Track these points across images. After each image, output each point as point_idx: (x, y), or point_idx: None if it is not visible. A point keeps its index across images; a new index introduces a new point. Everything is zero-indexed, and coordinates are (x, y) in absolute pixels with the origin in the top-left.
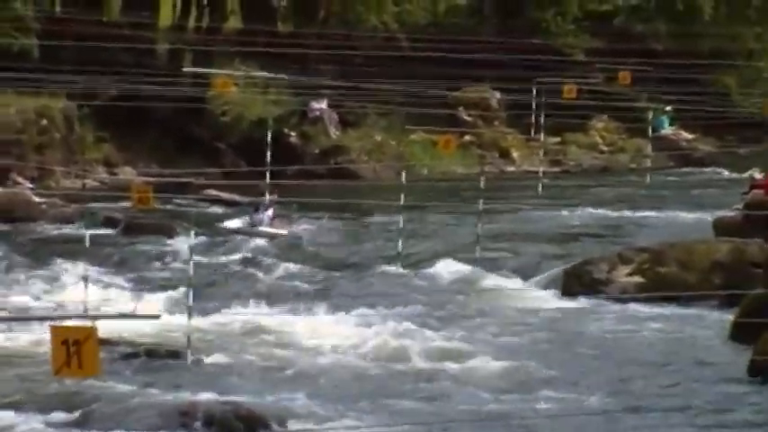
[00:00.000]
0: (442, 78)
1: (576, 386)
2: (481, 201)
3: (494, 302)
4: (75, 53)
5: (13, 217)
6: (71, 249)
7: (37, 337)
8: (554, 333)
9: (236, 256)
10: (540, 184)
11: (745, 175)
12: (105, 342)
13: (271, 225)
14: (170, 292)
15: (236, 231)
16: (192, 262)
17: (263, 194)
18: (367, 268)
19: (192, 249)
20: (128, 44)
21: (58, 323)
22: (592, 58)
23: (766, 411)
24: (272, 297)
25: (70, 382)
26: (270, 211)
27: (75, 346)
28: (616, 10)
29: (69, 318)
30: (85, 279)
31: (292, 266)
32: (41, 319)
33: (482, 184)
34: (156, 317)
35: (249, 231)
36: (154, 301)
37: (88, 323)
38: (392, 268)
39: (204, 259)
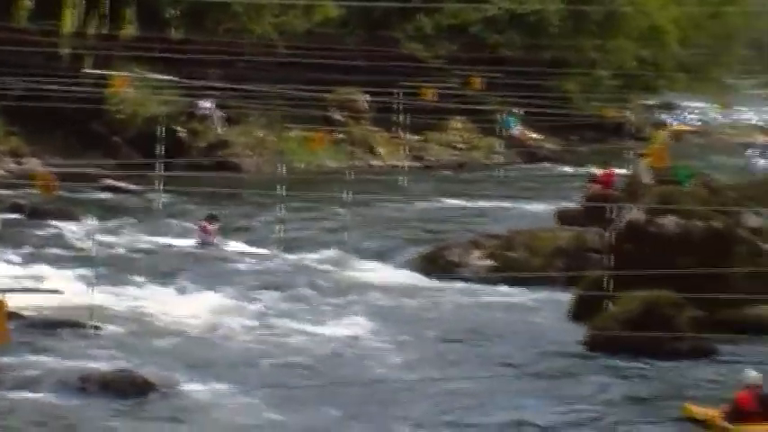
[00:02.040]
0: (317, 82)
1: (420, 357)
2: (350, 192)
3: (358, 282)
4: None
5: None
6: None
7: None
8: (411, 310)
9: (129, 239)
10: (404, 178)
11: (585, 170)
12: (13, 315)
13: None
14: (71, 270)
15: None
16: (92, 242)
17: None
18: (249, 254)
19: (92, 232)
20: (35, 48)
21: None
22: (450, 65)
23: (598, 381)
24: (161, 275)
25: None
26: (210, 227)
27: None
28: (472, 21)
29: None
30: None
31: (182, 245)
32: None
33: (351, 177)
34: (59, 292)
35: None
36: (56, 278)
37: None
38: (269, 251)
39: (103, 241)
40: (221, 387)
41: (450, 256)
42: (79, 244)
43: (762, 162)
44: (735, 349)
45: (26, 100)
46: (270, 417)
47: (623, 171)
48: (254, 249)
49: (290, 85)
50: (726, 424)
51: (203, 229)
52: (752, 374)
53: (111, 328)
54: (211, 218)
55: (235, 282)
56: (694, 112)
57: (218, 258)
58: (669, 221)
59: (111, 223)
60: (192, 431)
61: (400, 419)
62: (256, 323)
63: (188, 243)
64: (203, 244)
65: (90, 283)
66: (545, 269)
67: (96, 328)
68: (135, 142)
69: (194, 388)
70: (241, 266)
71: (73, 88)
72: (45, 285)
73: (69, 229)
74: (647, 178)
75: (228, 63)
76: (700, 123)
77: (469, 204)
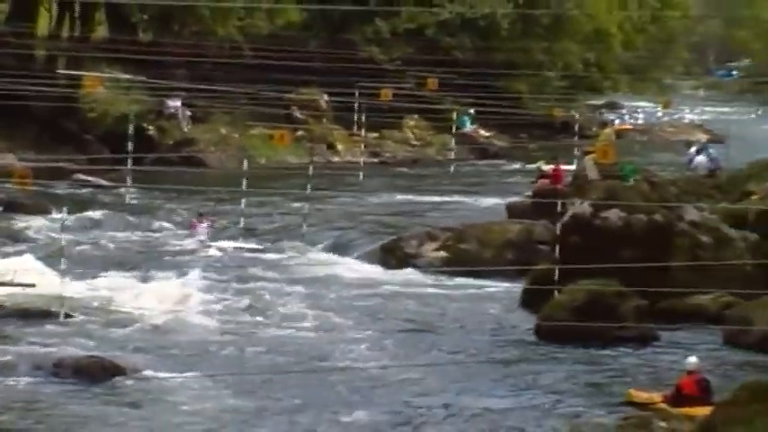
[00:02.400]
0: (279, 82)
1: (380, 341)
2: (309, 186)
3: (317, 273)
4: None
5: None
6: None
7: None
8: (370, 299)
9: (99, 232)
10: (361, 173)
11: (534, 166)
12: None
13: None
14: (45, 262)
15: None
16: (63, 235)
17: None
18: (214, 245)
19: (64, 225)
20: (9, 50)
21: None
22: (405, 66)
23: (546, 368)
24: (130, 267)
25: None
26: (204, 225)
27: None
28: (426, 24)
29: None
30: None
31: (151, 237)
32: None
33: (310, 172)
34: (32, 285)
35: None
36: (30, 270)
37: None
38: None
39: (75, 234)
40: (186, 374)
41: (407, 248)
42: (51, 237)
43: (700, 158)
44: (676, 337)
45: (1, 99)
46: (232, 402)
47: (570, 167)
48: (236, 244)
49: (254, 85)
50: (668, 408)
51: (192, 226)
52: (692, 361)
53: (81, 317)
54: (201, 215)
55: (197, 271)
56: (637, 111)
57: (185, 251)
58: (613, 215)
59: (82, 217)
60: (157, 415)
61: (354, 405)
62: (219, 312)
63: (156, 235)
64: (193, 239)
65: (62, 274)
66: (496, 261)
67: (68, 316)
68: (106, 139)
69: (160, 374)
70: (203, 257)
71: (47, 88)
72: (19, 278)
73: (42, 222)
74: (592, 174)
75: (195, 64)
76: (642, 122)
77: (423, 198)
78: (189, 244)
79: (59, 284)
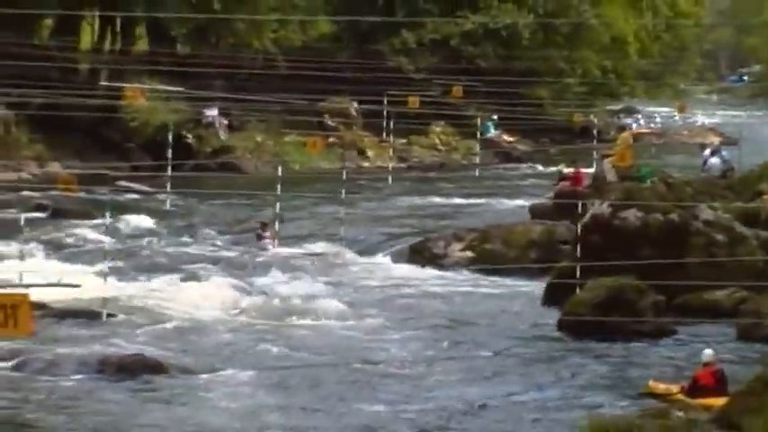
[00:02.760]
0: (311, 92)
1: (413, 338)
2: (344, 190)
3: (351, 273)
4: (12, 70)
5: None
6: (9, 230)
7: None
8: (402, 298)
9: (141, 236)
10: (390, 177)
11: (555, 169)
12: (37, 306)
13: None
14: (89, 264)
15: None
16: (106, 238)
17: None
18: (251, 248)
19: (108, 229)
20: (55, 63)
21: None
22: (431, 75)
23: (569, 362)
24: (170, 269)
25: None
26: (267, 233)
27: (12, 310)
28: (451, 35)
29: (6, 287)
30: (21, 254)
31: (190, 241)
32: None
33: (344, 177)
34: (77, 286)
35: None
36: (76, 272)
37: (23, 291)
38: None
39: (118, 238)
40: (230, 369)
41: (434, 249)
42: (95, 240)
43: (714, 160)
44: (692, 331)
45: (47, 109)
46: (270, 399)
47: (589, 170)
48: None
49: (288, 94)
50: (686, 398)
51: (259, 237)
52: (708, 353)
53: (123, 317)
54: (264, 225)
55: (237, 272)
56: (653, 115)
57: (219, 255)
58: (631, 215)
59: (125, 221)
60: (196, 412)
61: (381, 401)
62: (260, 312)
63: (194, 240)
64: (261, 250)
65: (105, 275)
66: (520, 260)
67: (110, 316)
68: (147, 148)
69: (203, 372)
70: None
71: (90, 99)
72: (65, 279)
73: (86, 227)
74: (611, 176)
75: (231, 75)
76: (658, 126)
77: (449, 200)
78: (257, 254)
79: (102, 286)
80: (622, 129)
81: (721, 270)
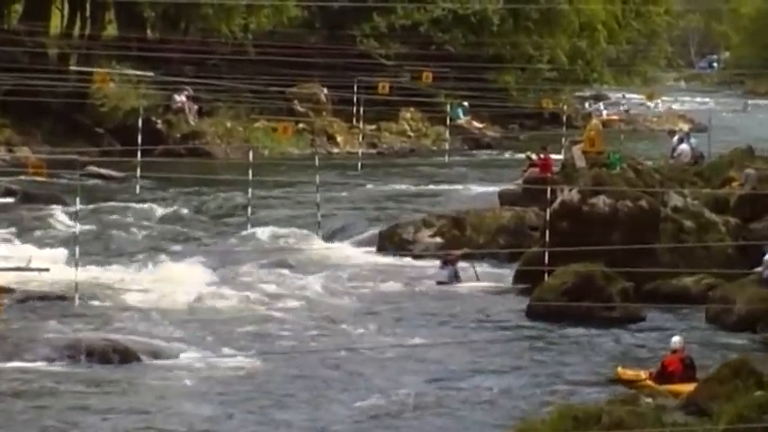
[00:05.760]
0: (281, 77)
1: (382, 322)
2: (317, 176)
3: (322, 256)
4: None
5: None
6: None
7: None
8: (369, 282)
9: (110, 220)
10: (360, 163)
11: (524, 155)
12: (5, 290)
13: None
14: (59, 249)
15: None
16: (77, 224)
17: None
18: (221, 232)
19: (78, 214)
20: (24, 48)
21: None
22: (401, 61)
23: (540, 348)
24: (141, 253)
25: None
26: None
27: None
28: (421, 21)
29: None
30: None
31: (160, 226)
32: None
33: (317, 163)
34: (46, 269)
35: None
36: (45, 257)
37: None
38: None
39: (87, 223)
40: (199, 354)
41: (404, 234)
42: (65, 225)
43: (683, 147)
44: (661, 317)
45: (16, 95)
46: (244, 387)
47: (559, 156)
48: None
49: (257, 79)
50: (654, 384)
51: (449, 262)
52: (676, 339)
53: (94, 302)
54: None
55: (209, 257)
56: (622, 102)
57: (192, 237)
58: (600, 201)
59: (94, 206)
60: (168, 398)
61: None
62: (230, 297)
63: (165, 224)
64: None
65: (76, 260)
66: (489, 245)
67: (80, 300)
68: (116, 133)
69: (173, 357)
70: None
71: (59, 84)
72: (34, 264)
73: (56, 211)
74: (580, 163)
75: (201, 60)
76: (628, 112)
77: (419, 186)
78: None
79: (73, 270)
80: (591, 115)
81: (690, 256)
